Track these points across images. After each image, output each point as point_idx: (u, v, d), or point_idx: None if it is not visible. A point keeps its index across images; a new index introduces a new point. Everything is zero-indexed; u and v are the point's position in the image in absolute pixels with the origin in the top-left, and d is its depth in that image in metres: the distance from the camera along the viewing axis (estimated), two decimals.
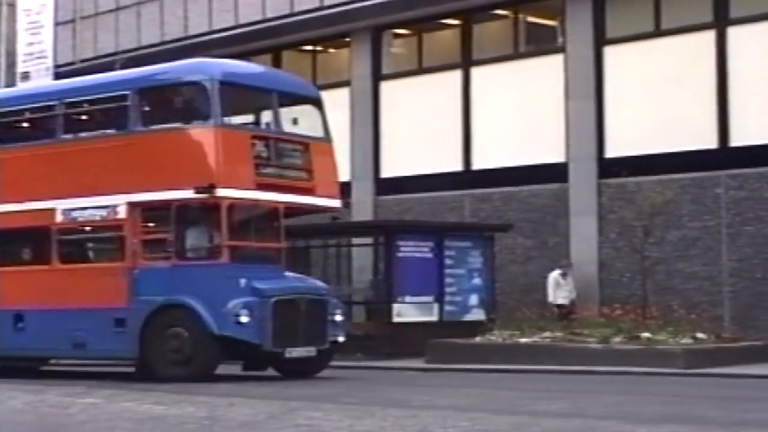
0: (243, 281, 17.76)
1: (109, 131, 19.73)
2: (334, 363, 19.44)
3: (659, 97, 26.85)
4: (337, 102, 27.29)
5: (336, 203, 19.92)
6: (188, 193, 17.98)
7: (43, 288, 19.38)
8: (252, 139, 18.56)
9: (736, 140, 26.34)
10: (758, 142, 25.62)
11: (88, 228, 19.59)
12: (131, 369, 19.97)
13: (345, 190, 22.34)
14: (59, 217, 19.35)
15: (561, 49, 29.25)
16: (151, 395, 15.00)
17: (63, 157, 19.47)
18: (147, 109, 18.77)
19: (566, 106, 27.96)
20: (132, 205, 18.39)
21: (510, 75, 30.13)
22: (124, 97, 18.83)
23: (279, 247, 18.82)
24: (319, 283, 19.52)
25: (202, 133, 18.28)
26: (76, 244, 20.15)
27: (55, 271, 19.41)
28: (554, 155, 28.45)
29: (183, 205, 18.00)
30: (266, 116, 19.70)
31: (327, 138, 19.87)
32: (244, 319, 17.53)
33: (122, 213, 18.63)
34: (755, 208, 25.93)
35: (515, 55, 30.68)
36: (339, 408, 13.19)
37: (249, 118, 20.11)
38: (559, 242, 27.84)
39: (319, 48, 34.38)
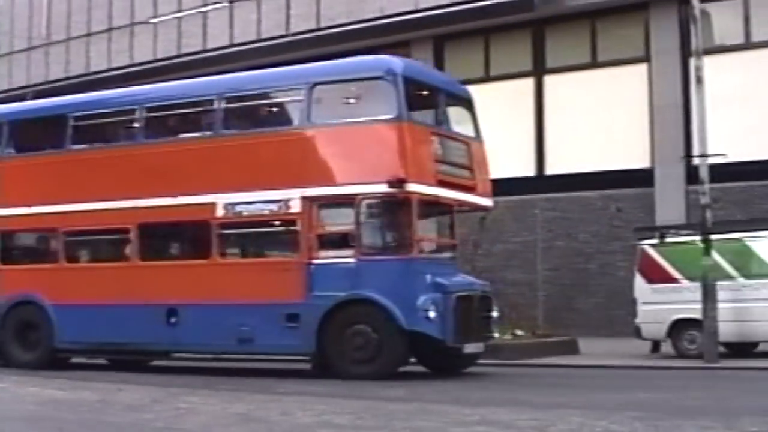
0: (428, 277, 16.30)
1: (278, 126, 18.01)
2: None
3: None
4: None
5: (491, 202, 18.57)
6: (373, 188, 16.39)
7: (200, 282, 17.66)
8: (431, 136, 17.13)
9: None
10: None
11: (254, 222, 17.66)
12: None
13: None
14: (220, 212, 17.60)
15: None
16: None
17: (224, 152, 17.79)
18: (321, 103, 17.21)
19: None
20: (307, 199, 16.79)
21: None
22: (297, 92, 17.26)
23: (455, 244, 17.74)
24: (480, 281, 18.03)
25: (389, 127, 16.57)
26: (239, 239, 18.41)
27: (215, 266, 17.64)
28: None
29: (367, 199, 16.52)
30: (428, 115, 17.87)
31: (479, 137, 18.55)
32: (432, 314, 15.95)
33: (296, 207, 16.94)
34: (564, 226, 25.18)
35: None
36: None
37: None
38: None
39: None
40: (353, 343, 16.14)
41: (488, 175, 18.45)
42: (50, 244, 19.82)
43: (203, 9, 34.36)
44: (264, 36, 32.83)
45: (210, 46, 34.00)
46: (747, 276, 18.88)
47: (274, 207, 17.16)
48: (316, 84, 17.06)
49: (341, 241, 16.79)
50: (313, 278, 16.54)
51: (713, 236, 19.00)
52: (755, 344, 20.33)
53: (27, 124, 20.60)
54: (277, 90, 18.04)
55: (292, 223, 17.01)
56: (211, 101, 18.07)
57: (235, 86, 18.41)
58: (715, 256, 18.91)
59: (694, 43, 20.80)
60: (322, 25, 31.61)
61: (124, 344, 18.39)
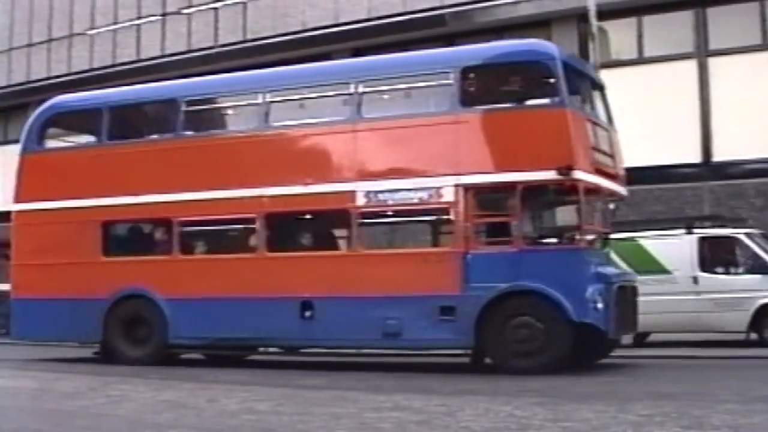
0: (593, 267, 15.21)
1: (424, 111, 16.54)
2: None
3: None
4: None
5: (625, 191, 17.27)
6: (538, 175, 15.06)
7: (339, 274, 16.31)
8: (586, 123, 15.93)
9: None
10: None
11: (400, 211, 16.34)
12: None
13: None
14: (361, 200, 16.11)
15: None
16: None
17: (362, 138, 16.37)
18: (473, 88, 16.02)
19: None
20: (462, 187, 15.47)
21: None
22: (445, 75, 15.85)
23: (610, 233, 16.66)
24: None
25: (553, 113, 15.35)
26: (382, 229, 17.38)
27: (357, 257, 16.21)
28: None
29: (530, 187, 15.16)
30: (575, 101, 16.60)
31: (613, 125, 17.31)
32: (600, 305, 14.81)
33: (449, 195, 15.59)
34: None
35: None
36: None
37: None
38: None
39: None
40: (516, 335, 15.00)
41: (623, 163, 17.38)
42: (161, 235, 18.39)
43: (137, 22, 34.73)
44: (194, 47, 33.28)
45: (143, 56, 34.12)
46: (638, 272, 19.13)
47: (423, 195, 15.81)
48: (466, 68, 15.87)
49: (498, 230, 15.67)
50: (470, 269, 15.30)
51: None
52: (646, 335, 20.80)
53: (130, 110, 19.14)
54: (423, 74, 16.39)
55: (445, 212, 15.81)
56: (346, 84, 16.64)
57: (373, 69, 17.21)
58: (613, 254, 19.13)
59: (592, 57, 21.25)
60: (248, 37, 32.68)
61: (247, 339, 17.25)
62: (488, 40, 22.89)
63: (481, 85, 16.17)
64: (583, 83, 16.44)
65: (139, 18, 35.29)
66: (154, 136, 18.91)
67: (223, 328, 16.88)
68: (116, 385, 13.30)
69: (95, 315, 17.74)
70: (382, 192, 16.04)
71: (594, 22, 21.28)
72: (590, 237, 15.68)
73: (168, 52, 34.22)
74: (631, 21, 25.87)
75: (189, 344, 17.66)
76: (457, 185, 15.49)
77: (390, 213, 16.44)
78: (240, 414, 10.17)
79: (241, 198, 17.02)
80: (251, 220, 17.04)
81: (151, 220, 18.44)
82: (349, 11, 30.14)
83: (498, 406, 10.40)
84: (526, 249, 15.13)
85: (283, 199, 16.69)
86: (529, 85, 16.22)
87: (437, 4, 28.43)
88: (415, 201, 15.86)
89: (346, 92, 16.59)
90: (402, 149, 16.18)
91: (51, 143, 19.58)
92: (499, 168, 15.38)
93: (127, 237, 18.96)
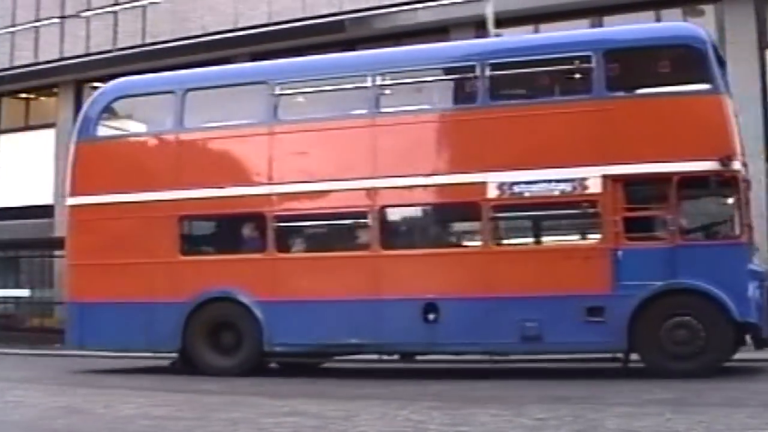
0: (751, 264, 14.28)
1: (564, 97, 15.33)
2: None
3: None
4: None
5: None
6: (696, 165, 14.03)
7: (467, 273, 15.04)
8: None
9: None
10: None
11: (538, 205, 14.96)
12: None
13: None
14: (493, 192, 14.85)
15: None
16: None
17: (493, 125, 15.04)
18: (617, 72, 14.86)
19: None
20: (610, 178, 14.41)
21: None
22: (586, 59, 14.78)
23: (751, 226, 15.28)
24: None
25: (709, 100, 14.38)
26: (517, 223, 16.01)
27: (489, 254, 14.92)
28: None
29: (687, 177, 14.14)
30: None
31: None
32: (760, 304, 13.99)
33: (595, 187, 14.49)
34: None
35: None
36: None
37: None
38: None
39: None
40: (674, 337, 14.01)
41: None
42: (251, 231, 16.61)
43: (35, 24, 33.93)
44: (93, 50, 32.75)
45: (41, 59, 33.54)
46: None
47: (566, 187, 14.65)
48: (609, 51, 14.81)
49: (649, 224, 14.68)
50: (621, 266, 14.23)
51: None
52: None
53: (210, 93, 17.08)
54: (559, 56, 15.18)
55: (592, 204, 14.65)
56: (471, 68, 15.32)
57: (503, 51, 15.90)
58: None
59: None
60: (148, 41, 31.84)
61: (359, 345, 15.74)
62: (387, 46, 23.17)
63: (625, 69, 15.07)
64: (721, 66, 15.34)
65: (37, 20, 34.60)
66: (244, 122, 16.87)
67: (330, 333, 15.49)
68: (11, 391, 13.14)
69: (172, 320, 16.13)
70: (517, 183, 14.82)
71: (492, 29, 21.39)
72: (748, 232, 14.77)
73: (66, 54, 33.21)
74: (529, 28, 26.08)
75: (288, 351, 16.12)
76: (604, 176, 14.43)
77: (528, 206, 15.09)
78: (137, 419, 10.09)
79: (351, 190, 15.61)
80: (362, 215, 15.56)
81: (240, 215, 16.63)
82: (249, 16, 29.75)
83: (394, 410, 10.45)
84: (682, 244, 14.12)
85: (401, 191, 15.36)
86: (678, 70, 15.24)
87: (337, 10, 28.18)
88: (557, 194, 14.69)
89: (471, 75, 15.32)
90: (538, 137, 15.00)
91: (105, 131, 17.56)
92: (652, 158, 14.32)
93: (209, 233, 17.48)
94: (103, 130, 17.50)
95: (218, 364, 16.03)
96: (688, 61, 14.83)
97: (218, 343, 16.17)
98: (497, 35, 21.63)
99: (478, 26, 24.60)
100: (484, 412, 10.15)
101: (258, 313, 15.79)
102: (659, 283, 14.09)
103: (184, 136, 16.80)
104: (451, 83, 16.06)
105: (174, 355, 16.83)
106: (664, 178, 14.22)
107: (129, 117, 18.27)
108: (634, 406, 10.51)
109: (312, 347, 15.90)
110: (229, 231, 17.09)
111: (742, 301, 13.84)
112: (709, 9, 24.22)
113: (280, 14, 29.24)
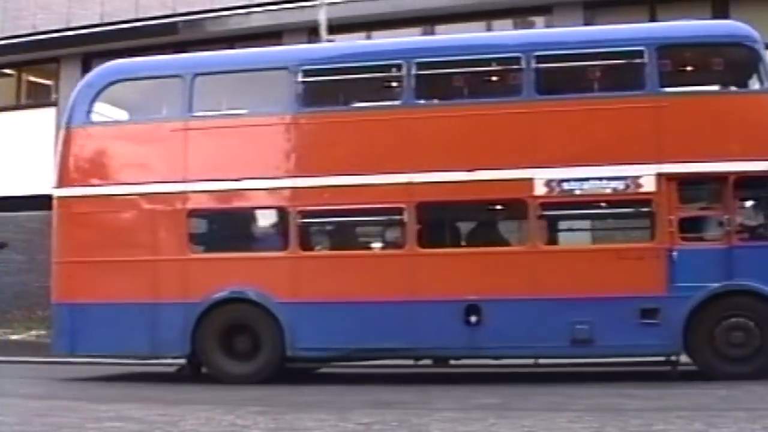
0: None
1: (616, 92, 14.70)
2: None
3: None
4: None
5: None
6: (753, 165, 13.78)
7: (513, 273, 14.33)
8: None
9: None
10: None
11: (589, 203, 14.42)
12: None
13: None
14: (541, 189, 14.26)
15: None
16: None
17: (541, 119, 14.47)
18: (669, 68, 14.42)
19: None
20: (664, 177, 14.01)
21: None
22: (637, 53, 14.31)
23: None
24: None
25: (764, 99, 14.16)
26: (566, 222, 15.32)
27: (537, 254, 14.28)
28: None
29: (743, 177, 13.89)
30: None
31: None
32: None
33: (649, 185, 14.06)
34: None
35: None
36: None
37: None
38: None
39: None
40: (729, 339, 13.78)
41: None
42: (271, 227, 15.66)
43: None
44: None
45: None
46: None
47: (619, 185, 14.21)
48: (662, 46, 14.46)
49: (703, 224, 14.46)
50: (676, 267, 13.90)
51: None
52: None
53: (220, 79, 15.95)
54: (610, 50, 14.76)
55: (645, 203, 14.24)
56: (517, 59, 14.75)
57: (550, 44, 15.29)
58: None
59: None
60: None
61: (395, 350, 14.81)
62: (220, 49, 22.55)
63: (677, 65, 14.83)
64: None
65: None
66: (262, 110, 15.77)
67: (361, 336, 14.54)
68: None
69: (180, 323, 14.88)
70: (567, 180, 14.30)
71: (324, 35, 21.20)
72: None
73: None
74: (361, 35, 25.93)
75: (315, 356, 15.17)
76: (659, 174, 14.08)
77: (578, 204, 14.51)
78: None
79: (383, 185, 14.71)
80: (397, 211, 14.73)
81: (258, 209, 15.61)
82: (81, 16, 29.09)
83: (220, 415, 10.56)
84: (738, 245, 13.93)
85: (440, 186, 14.57)
86: (731, 68, 14.97)
87: (170, 12, 27.92)
88: (609, 192, 14.28)
89: (517, 66, 14.73)
90: (588, 133, 14.50)
91: (100, 116, 15.98)
92: (707, 156, 14.07)
93: (222, 229, 16.19)
94: (98, 115, 15.94)
95: (234, 370, 14.93)
96: (741, 59, 14.61)
97: (232, 347, 15.01)
98: (330, 41, 21.41)
99: (311, 32, 24.55)
100: (310, 417, 10.27)
101: (280, 314, 14.72)
102: (715, 285, 13.83)
103: (193, 124, 15.42)
104: (495, 75, 15.35)
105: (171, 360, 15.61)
106: (720, 177, 14.02)
107: (127, 101, 16.57)
108: (460, 411, 10.70)
109: (341, 351, 14.91)
110: (246, 227, 15.97)
111: None
112: (539, 20, 24.63)
113: (112, 15, 28.74)
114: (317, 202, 14.98)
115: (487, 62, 15.18)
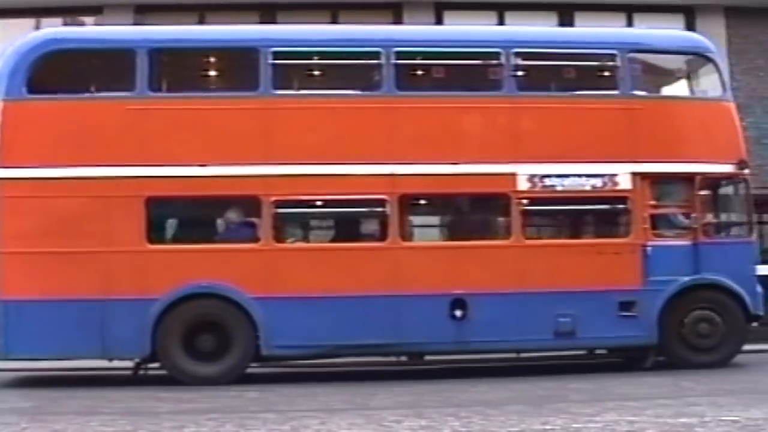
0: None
1: (591, 92, 15.12)
2: None
3: None
4: None
5: None
6: (715, 167, 14.79)
7: (498, 267, 14.27)
8: None
9: None
10: None
11: (568, 199, 14.58)
12: None
13: None
14: (524, 185, 14.40)
15: None
16: None
17: (521, 115, 14.55)
18: (639, 72, 15.17)
19: None
20: (638, 176, 14.62)
21: None
22: (611, 57, 14.86)
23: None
24: None
25: (724, 106, 15.13)
26: (545, 217, 15.46)
27: (520, 248, 14.30)
28: None
29: (707, 178, 14.87)
30: None
31: None
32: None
33: (625, 183, 14.64)
34: None
35: None
36: None
37: None
38: None
39: None
40: (697, 330, 14.60)
41: None
42: (240, 217, 14.38)
43: None
44: None
45: None
46: None
47: (597, 182, 14.63)
48: (632, 51, 15.11)
49: (671, 221, 15.11)
50: (650, 261, 14.51)
51: None
52: None
53: (180, 56, 14.84)
54: (585, 52, 15.14)
55: (621, 201, 14.78)
56: (497, 54, 14.70)
57: (528, 41, 15.31)
58: None
59: None
60: None
61: (378, 346, 14.23)
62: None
63: (645, 70, 15.58)
64: None
65: None
66: (233, 93, 14.71)
67: (344, 332, 13.86)
68: None
69: (138, 321, 13.48)
70: (548, 177, 14.56)
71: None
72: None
73: None
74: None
75: (293, 354, 14.35)
76: (634, 173, 14.69)
77: (558, 200, 14.76)
78: None
79: (368, 175, 14.21)
80: (380, 203, 14.23)
81: (226, 198, 14.32)
82: None
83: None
84: (704, 241, 14.78)
85: (423, 178, 14.31)
86: (692, 76, 15.83)
87: None
88: (588, 188, 14.65)
89: (497, 62, 14.70)
90: (568, 130, 14.76)
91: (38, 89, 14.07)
92: (675, 158, 14.89)
93: (185, 218, 14.81)
94: (35, 88, 14.02)
95: (200, 371, 13.71)
96: (698, 68, 15.65)
97: (195, 347, 13.79)
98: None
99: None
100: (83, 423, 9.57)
101: (253, 311, 13.78)
102: (685, 279, 14.65)
103: (154, 104, 14.08)
104: (476, 69, 15.17)
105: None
106: (688, 177, 14.87)
107: (69, 74, 14.66)
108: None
109: (321, 348, 14.20)
110: (211, 216, 14.79)
111: (754, 296, 14.87)
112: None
113: None
114: (293, 191, 14.15)
115: (468, 55, 15.05)
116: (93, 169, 13.84)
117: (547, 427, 8.65)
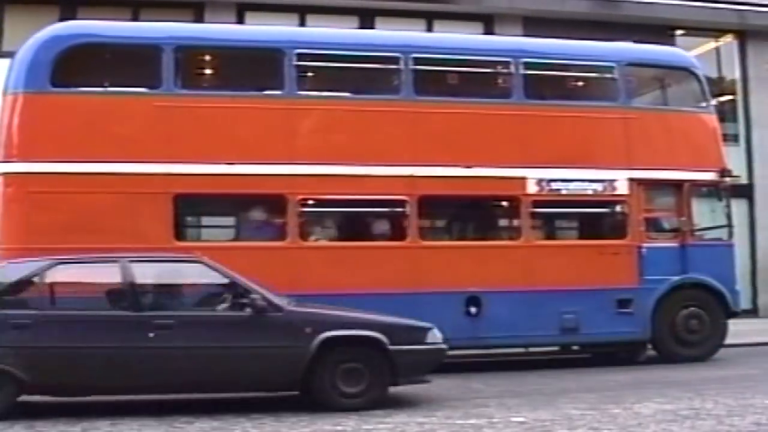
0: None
1: (590, 102, 16.06)
2: None
3: None
4: None
5: None
6: (702, 175, 15.94)
7: (510, 266, 15.00)
8: None
9: None
10: None
11: (572, 202, 15.44)
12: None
13: None
14: (533, 188, 15.23)
15: None
16: None
17: (529, 122, 15.21)
18: (633, 84, 16.08)
19: None
20: (634, 181, 15.71)
21: None
22: (609, 69, 15.89)
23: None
24: None
25: (706, 118, 16.48)
26: (552, 219, 16.17)
27: (529, 248, 15.10)
28: None
29: (695, 185, 16.06)
30: None
31: None
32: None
33: (623, 188, 15.70)
34: None
35: None
36: None
37: None
38: None
39: None
40: (687, 326, 15.79)
41: None
42: (266, 216, 14.51)
43: None
44: None
45: None
46: None
47: (598, 187, 15.64)
48: (629, 64, 16.14)
49: (662, 224, 16.31)
50: (645, 262, 15.61)
51: None
52: None
53: (207, 55, 15.00)
54: (585, 63, 16.06)
55: (620, 204, 15.87)
56: (506, 63, 15.50)
57: (536, 52, 15.99)
58: None
59: None
60: None
61: None
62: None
63: (638, 83, 16.52)
64: None
65: None
66: (259, 93, 14.90)
67: None
68: None
69: None
70: (555, 181, 15.44)
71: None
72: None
73: None
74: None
75: None
76: (630, 179, 15.78)
77: (563, 203, 15.58)
78: None
79: (390, 177, 14.64)
80: (400, 203, 14.73)
81: (253, 196, 14.40)
82: None
83: None
84: (691, 243, 15.94)
85: (441, 181, 14.82)
86: (678, 89, 16.90)
87: None
88: (590, 192, 15.66)
89: (506, 70, 15.44)
90: (572, 137, 15.70)
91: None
92: (666, 165, 16.01)
93: (212, 216, 15.12)
94: (59, 82, 13.77)
95: None
96: (685, 82, 16.73)
97: None
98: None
99: None
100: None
101: None
102: (676, 278, 15.79)
103: (182, 101, 14.05)
104: (489, 76, 15.81)
105: None
106: (678, 184, 16.08)
107: (93, 67, 14.42)
108: None
109: None
110: (238, 214, 15.00)
111: (734, 294, 16.20)
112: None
113: None
114: (319, 190, 14.48)
115: (481, 64, 15.71)
116: (120, 165, 13.70)
117: (338, 428, 8.92)
